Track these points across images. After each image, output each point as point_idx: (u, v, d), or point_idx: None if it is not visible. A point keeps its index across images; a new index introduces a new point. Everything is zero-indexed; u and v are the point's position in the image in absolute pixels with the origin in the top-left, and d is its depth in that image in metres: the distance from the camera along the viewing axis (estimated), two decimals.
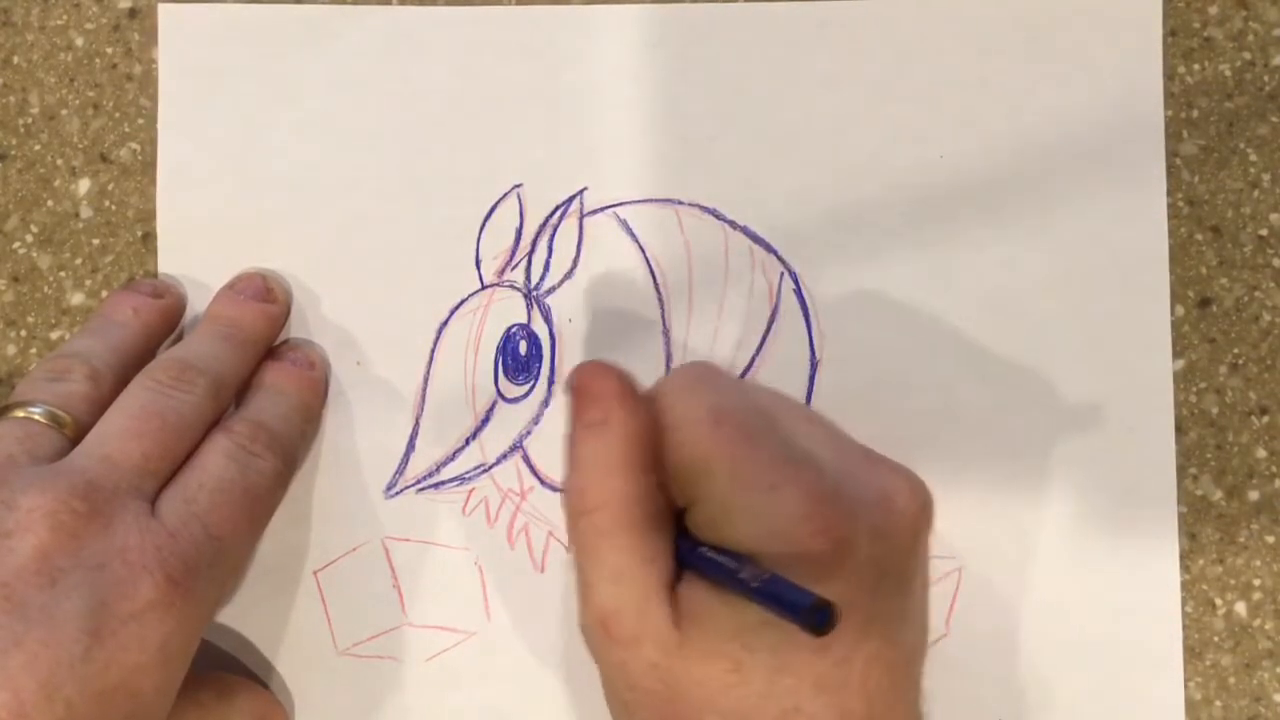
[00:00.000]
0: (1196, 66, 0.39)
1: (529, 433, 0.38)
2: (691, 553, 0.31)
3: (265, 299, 0.38)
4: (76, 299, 0.39)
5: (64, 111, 0.40)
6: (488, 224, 0.39)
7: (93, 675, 0.30)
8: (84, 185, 0.40)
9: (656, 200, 0.39)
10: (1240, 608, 0.38)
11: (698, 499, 0.31)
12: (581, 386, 0.33)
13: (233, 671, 0.38)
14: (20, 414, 0.33)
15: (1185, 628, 0.38)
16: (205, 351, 0.36)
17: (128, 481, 0.32)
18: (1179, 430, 0.38)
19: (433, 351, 0.39)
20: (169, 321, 0.38)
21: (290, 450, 0.36)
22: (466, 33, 0.39)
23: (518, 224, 0.39)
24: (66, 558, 0.30)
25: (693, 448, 0.31)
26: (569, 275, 0.39)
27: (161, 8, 0.39)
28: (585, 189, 0.39)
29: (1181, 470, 0.38)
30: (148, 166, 0.39)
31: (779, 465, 0.31)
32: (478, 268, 0.39)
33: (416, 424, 0.38)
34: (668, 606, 0.31)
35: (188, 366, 0.35)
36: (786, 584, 0.28)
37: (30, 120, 0.40)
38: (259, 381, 0.37)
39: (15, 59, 0.40)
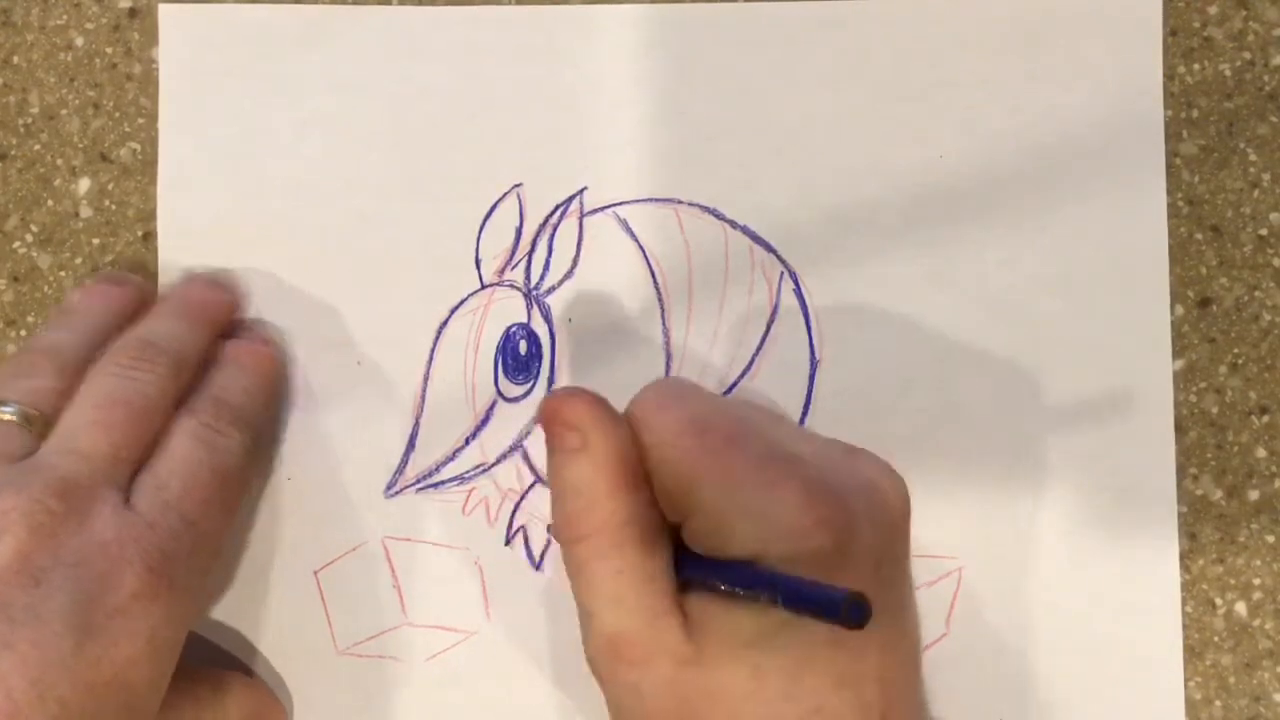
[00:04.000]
0: (1196, 66, 0.39)
1: (529, 432, 0.38)
2: (696, 566, 0.31)
3: (217, 284, 0.38)
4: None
5: (64, 111, 0.40)
6: (487, 224, 0.39)
7: (84, 671, 0.30)
8: (84, 185, 0.40)
9: (656, 200, 0.39)
10: (1240, 608, 0.38)
11: (692, 511, 0.31)
12: (553, 413, 0.32)
13: (231, 669, 0.38)
14: None
15: (1185, 628, 0.38)
16: (164, 330, 0.36)
17: (101, 474, 0.32)
18: (1179, 430, 0.38)
19: (432, 351, 0.39)
20: (133, 307, 0.38)
21: (255, 425, 0.36)
22: (466, 33, 0.39)
23: (517, 223, 0.39)
24: (47, 556, 0.30)
25: (679, 462, 0.31)
26: (569, 275, 0.39)
27: (161, 8, 0.40)
28: (585, 189, 0.39)
29: (1181, 470, 0.38)
30: (148, 166, 0.39)
31: (769, 464, 0.30)
32: (477, 267, 0.39)
33: (416, 424, 0.38)
34: (678, 621, 0.30)
35: (148, 345, 0.35)
36: (811, 584, 0.28)
37: (30, 120, 0.40)
38: (217, 358, 0.37)
39: (15, 59, 0.40)
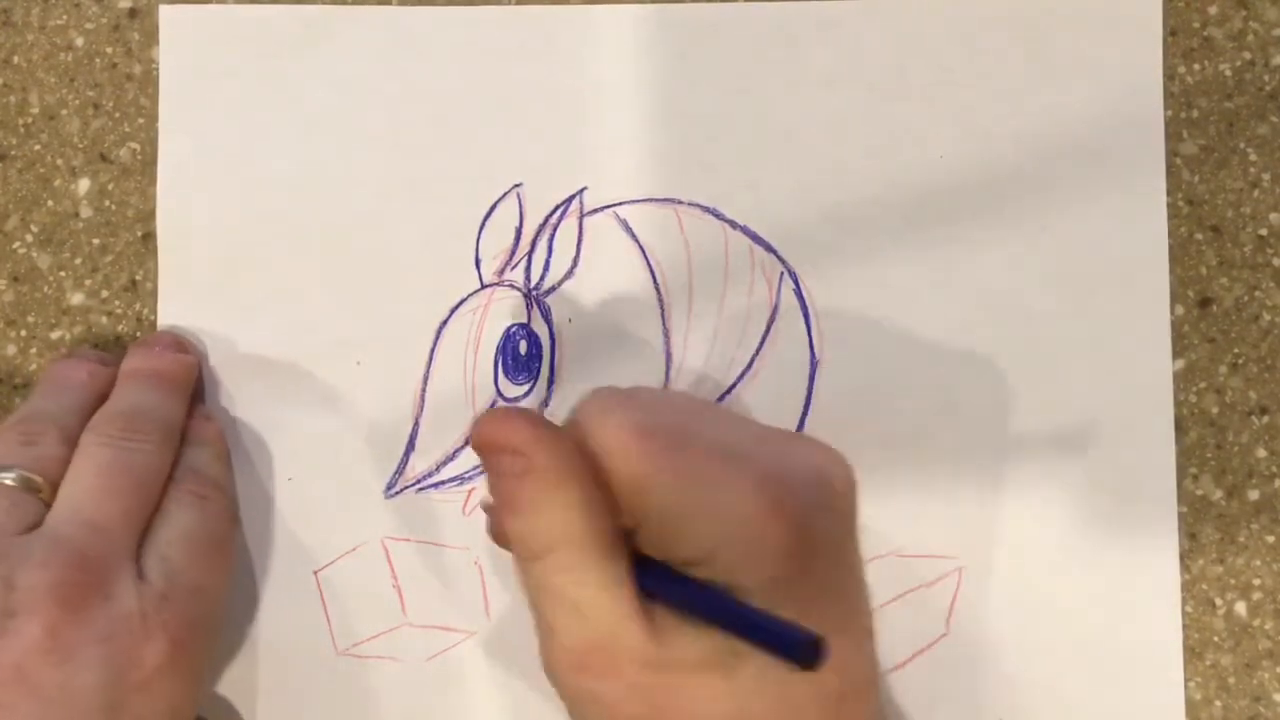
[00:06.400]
0: (1196, 66, 0.39)
1: None
2: (656, 580, 0.30)
3: (180, 350, 0.38)
4: (76, 299, 0.40)
5: (64, 111, 0.40)
6: (487, 223, 0.39)
7: None
8: (84, 185, 0.40)
9: (656, 200, 0.39)
10: (1240, 608, 0.38)
11: (644, 516, 0.30)
12: (488, 439, 0.31)
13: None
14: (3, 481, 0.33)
15: (1185, 628, 0.38)
16: (146, 402, 0.36)
17: (116, 544, 0.32)
18: (1179, 430, 0.38)
19: (432, 351, 0.39)
20: (109, 386, 0.37)
21: (231, 490, 0.37)
22: (466, 33, 0.39)
23: (517, 223, 0.39)
24: (75, 632, 0.30)
25: (626, 468, 0.30)
26: (569, 275, 0.39)
27: (162, 8, 0.40)
28: (585, 188, 0.39)
29: (1181, 470, 0.38)
30: (148, 166, 0.39)
31: (718, 462, 0.30)
32: (477, 267, 0.39)
33: (416, 424, 0.38)
34: (641, 624, 0.30)
35: (136, 417, 0.35)
36: (767, 618, 0.28)
37: (30, 120, 0.40)
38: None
39: (15, 59, 0.40)
